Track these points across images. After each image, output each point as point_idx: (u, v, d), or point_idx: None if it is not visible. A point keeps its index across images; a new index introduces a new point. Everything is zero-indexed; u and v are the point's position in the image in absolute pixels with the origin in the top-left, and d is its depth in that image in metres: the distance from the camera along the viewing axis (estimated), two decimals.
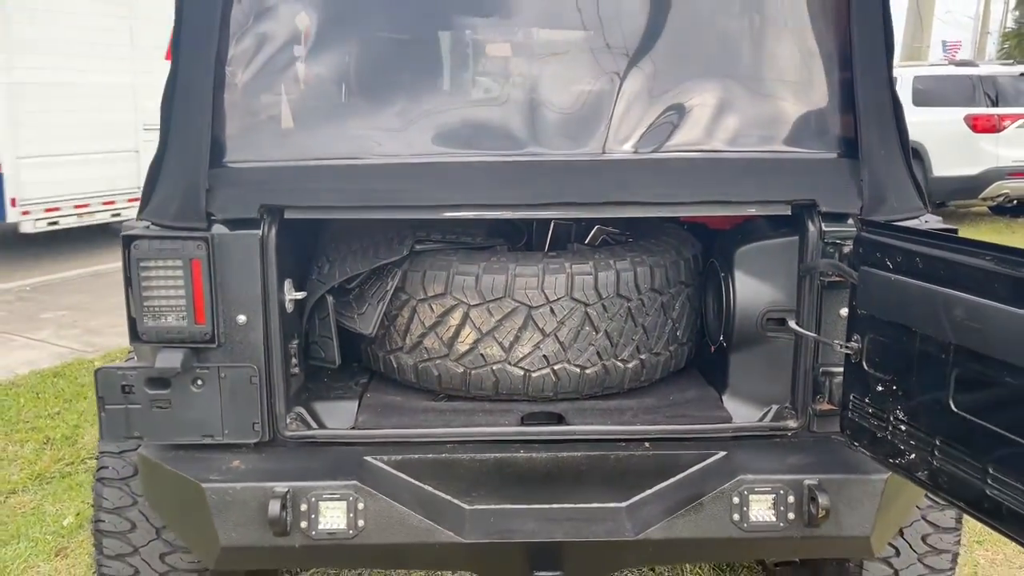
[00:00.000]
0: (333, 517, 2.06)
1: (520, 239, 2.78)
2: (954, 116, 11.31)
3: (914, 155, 11.39)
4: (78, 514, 3.99)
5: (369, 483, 2.09)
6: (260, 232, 2.15)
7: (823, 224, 2.20)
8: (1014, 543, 1.69)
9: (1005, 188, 11.11)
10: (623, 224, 2.78)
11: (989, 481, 1.69)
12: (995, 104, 11.27)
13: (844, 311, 2.19)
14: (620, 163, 2.24)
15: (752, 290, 2.35)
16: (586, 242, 2.82)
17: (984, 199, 11.42)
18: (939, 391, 1.82)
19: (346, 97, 2.37)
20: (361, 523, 2.06)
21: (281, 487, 2.05)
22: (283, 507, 2.02)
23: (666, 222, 2.66)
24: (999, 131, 11.06)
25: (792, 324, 2.28)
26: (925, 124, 11.51)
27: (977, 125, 11.12)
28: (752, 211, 2.24)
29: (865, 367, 2.06)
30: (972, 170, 11.05)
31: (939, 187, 11.32)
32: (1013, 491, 1.64)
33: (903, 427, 1.93)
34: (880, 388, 2.01)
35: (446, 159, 2.25)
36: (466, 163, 2.23)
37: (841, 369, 2.18)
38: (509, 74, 2.39)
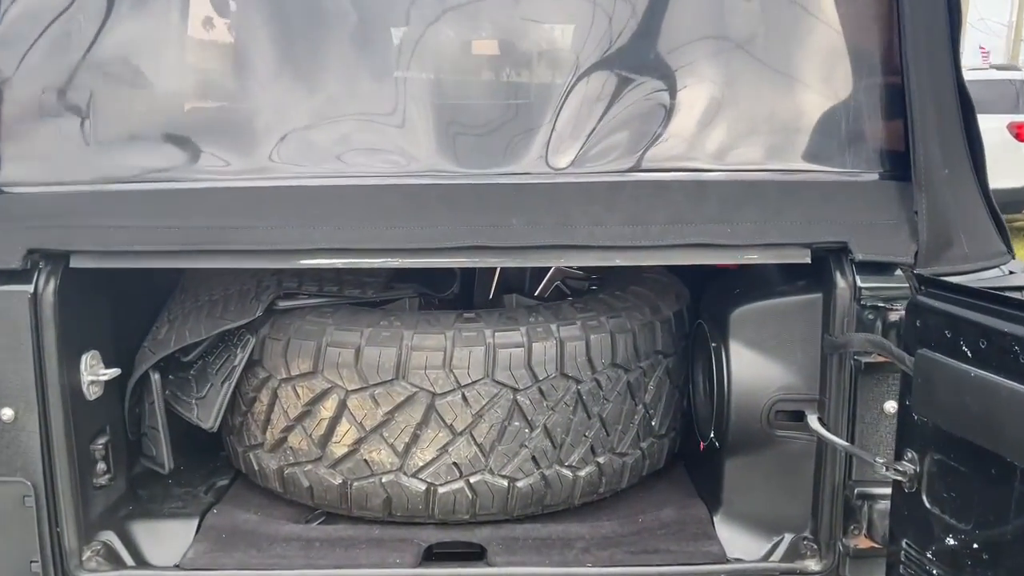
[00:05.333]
0: None
1: (446, 286, 2.08)
2: (996, 124, 10.50)
3: None
4: None
5: None
6: (32, 288, 1.48)
7: (859, 278, 1.49)
8: None
9: None
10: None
11: None
12: None
13: (890, 407, 1.48)
14: (565, 189, 1.55)
15: (755, 369, 1.65)
16: (538, 292, 2.11)
17: None
18: None
19: (163, 94, 1.66)
20: None
21: None
22: None
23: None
24: None
25: (813, 422, 1.56)
26: None
27: (1022, 133, 10.32)
28: (753, 257, 1.53)
29: (925, 501, 1.35)
30: (1017, 182, 10.25)
31: None
32: None
33: None
34: (950, 538, 1.29)
35: (306, 182, 1.57)
36: (335, 188, 1.55)
37: (887, 492, 1.46)
38: (401, 57, 1.68)
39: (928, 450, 1.37)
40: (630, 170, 1.59)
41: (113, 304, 1.73)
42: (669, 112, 1.61)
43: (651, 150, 1.59)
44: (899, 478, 1.42)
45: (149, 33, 1.65)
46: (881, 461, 1.44)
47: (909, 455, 1.41)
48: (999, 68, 12.16)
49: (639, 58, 1.62)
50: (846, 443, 1.54)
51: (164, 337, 1.78)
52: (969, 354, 1.27)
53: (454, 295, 2.10)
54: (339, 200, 1.55)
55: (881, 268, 1.53)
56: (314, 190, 1.57)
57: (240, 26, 1.63)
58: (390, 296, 1.90)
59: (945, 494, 1.37)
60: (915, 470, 1.39)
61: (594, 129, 1.58)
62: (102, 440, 1.68)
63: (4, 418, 1.54)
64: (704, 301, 1.87)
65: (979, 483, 1.30)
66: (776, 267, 1.67)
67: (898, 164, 1.58)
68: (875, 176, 1.62)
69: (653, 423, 1.83)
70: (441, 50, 1.64)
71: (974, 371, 1.26)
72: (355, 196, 1.56)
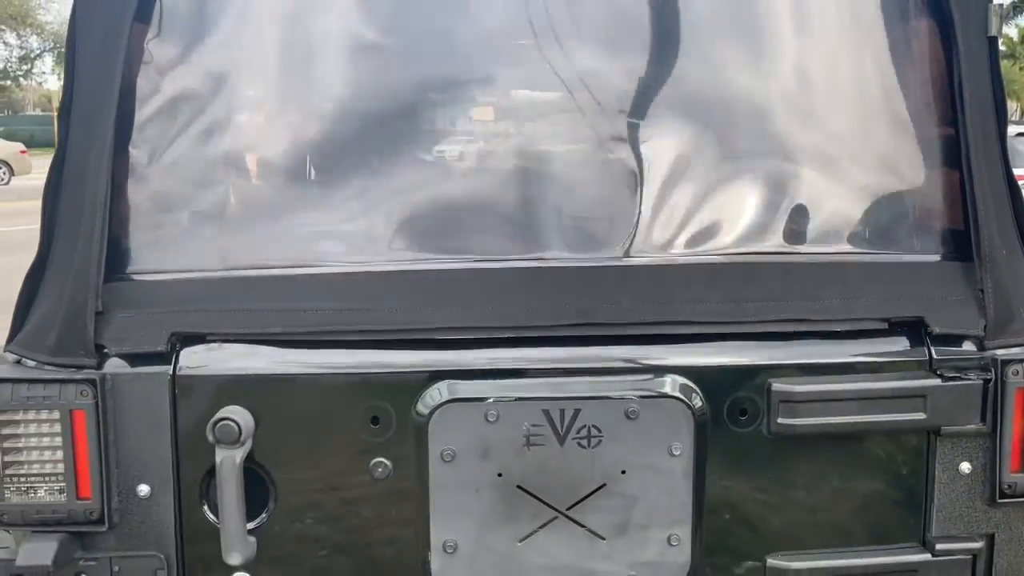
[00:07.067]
0: None
1: None
2: None
3: None
4: None
5: None
6: (171, 368, 1.56)
7: (934, 350, 1.64)
8: None
9: None
10: None
11: None
12: None
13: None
14: (667, 270, 1.72)
15: None
16: None
17: None
18: None
19: (289, 186, 1.78)
20: None
21: None
22: None
23: None
24: None
25: None
26: None
27: None
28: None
29: None
30: None
31: None
32: None
33: None
34: None
35: (425, 266, 1.69)
36: (452, 271, 1.68)
37: None
38: (506, 152, 1.83)
39: None
40: (725, 253, 1.73)
41: None
42: (761, 201, 1.76)
43: (744, 235, 1.74)
44: None
45: (276, 130, 1.77)
46: None
47: None
48: None
49: (735, 154, 1.78)
50: None
51: None
52: None
53: None
54: (456, 282, 1.66)
55: (950, 340, 1.70)
56: (433, 273, 1.68)
57: (360, 130, 1.76)
58: None
59: None
60: None
61: (692, 216, 1.73)
62: None
63: (141, 494, 1.60)
64: None
65: None
66: None
67: (960, 247, 1.73)
68: (939, 257, 1.77)
69: None
70: (551, 147, 1.79)
71: None
72: (472, 278, 1.66)
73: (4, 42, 47.89)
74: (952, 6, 1.67)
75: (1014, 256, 1.71)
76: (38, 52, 49.91)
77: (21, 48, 48.74)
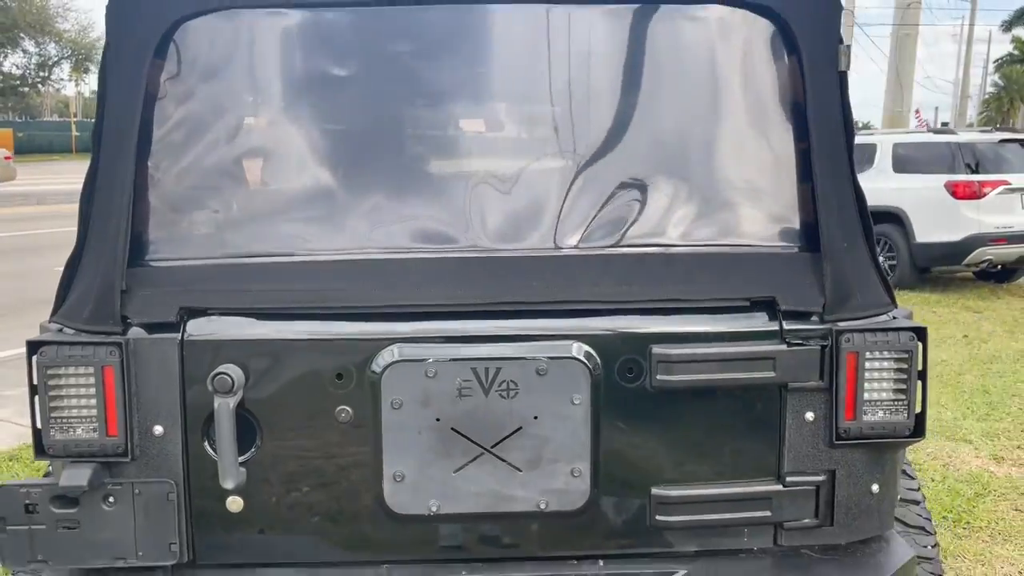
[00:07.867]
0: None
1: None
2: (935, 183, 11.33)
3: (896, 221, 11.45)
4: None
5: None
6: (180, 335, 2.00)
7: (784, 323, 2.06)
8: None
9: (988, 254, 11.04)
10: None
11: None
12: (975, 171, 11.29)
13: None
14: (571, 260, 2.13)
15: None
16: None
17: (968, 265, 11.35)
18: None
19: (276, 191, 2.24)
20: None
21: None
22: None
23: None
24: (980, 197, 11.05)
25: None
26: (906, 190, 11.57)
27: (958, 191, 11.11)
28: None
29: None
30: (955, 236, 11.02)
31: (922, 253, 11.28)
32: None
33: None
34: None
35: (384, 256, 2.11)
36: (405, 260, 2.10)
37: None
38: (453, 162, 2.27)
39: None
40: (616, 246, 2.13)
41: None
42: (645, 203, 2.18)
43: (632, 231, 2.14)
44: None
45: (264, 147, 2.21)
46: None
47: None
48: (936, 132, 13.07)
49: (622, 164, 2.19)
50: None
51: None
52: None
53: None
54: (408, 268, 2.08)
55: (798, 315, 2.10)
56: (390, 261, 2.09)
57: (331, 147, 2.20)
58: None
59: None
60: None
61: (591, 217, 2.13)
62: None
63: (156, 433, 2.03)
64: None
65: None
66: None
67: (811, 240, 2.12)
68: (795, 249, 2.16)
69: None
70: (487, 161, 2.22)
71: None
72: (421, 265, 2.08)
73: (23, 50, 48.81)
74: (802, 48, 2.09)
75: (854, 249, 2.11)
76: (56, 59, 50.90)
77: (39, 55, 49.72)
